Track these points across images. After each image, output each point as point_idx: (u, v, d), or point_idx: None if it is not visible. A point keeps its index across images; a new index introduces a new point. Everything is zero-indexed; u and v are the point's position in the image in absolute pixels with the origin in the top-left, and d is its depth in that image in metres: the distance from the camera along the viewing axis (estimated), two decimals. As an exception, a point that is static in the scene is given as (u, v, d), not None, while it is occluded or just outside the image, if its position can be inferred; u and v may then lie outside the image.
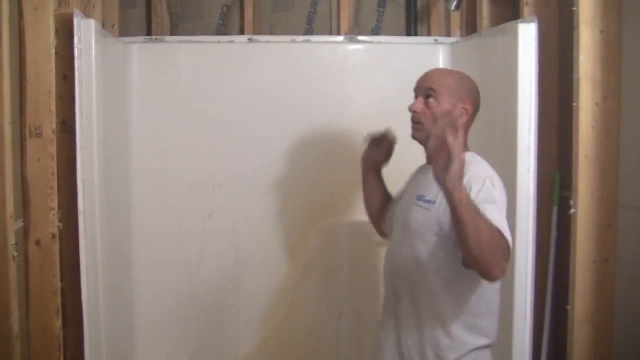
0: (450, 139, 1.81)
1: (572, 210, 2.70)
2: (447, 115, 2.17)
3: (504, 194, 2.08)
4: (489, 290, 2.14)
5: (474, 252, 1.83)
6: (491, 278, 1.89)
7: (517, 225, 2.68)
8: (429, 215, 2.13)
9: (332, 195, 3.54)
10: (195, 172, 3.49)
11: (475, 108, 2.27)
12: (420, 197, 2.20)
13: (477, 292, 2.12)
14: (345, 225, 3.53)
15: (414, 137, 2.26)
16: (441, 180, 1.84)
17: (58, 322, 2.67)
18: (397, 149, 2.53)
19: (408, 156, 2.37)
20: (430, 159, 2.21)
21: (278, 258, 3.56)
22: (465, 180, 1.90)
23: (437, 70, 2.37)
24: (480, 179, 2.02)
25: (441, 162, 1.84)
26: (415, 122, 2.23)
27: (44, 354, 2.65)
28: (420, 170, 2.39)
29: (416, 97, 2.26)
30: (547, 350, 3.19)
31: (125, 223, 3.39)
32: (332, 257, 3.54)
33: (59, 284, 2.68)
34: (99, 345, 2.80)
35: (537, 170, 2.72)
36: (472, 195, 1.94)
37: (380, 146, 2.52)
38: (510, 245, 1.93)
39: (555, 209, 3.17)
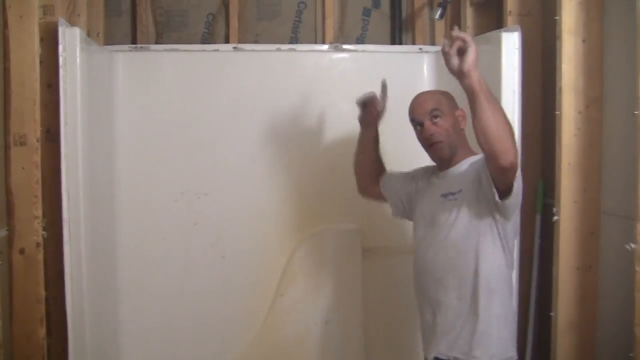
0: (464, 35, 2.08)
1: (555, 218, 2.72)
2: (455, 124, 2.43)
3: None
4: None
5: (494, 132, 2.05)
6: (507, 161, 2.08)
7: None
8: (458, 203, 2.36)
9: (318, 203, 3.56)
10: (180, 180, 3.48)
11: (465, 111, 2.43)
12: (446, 194, 2.41)
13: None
14: (330, 233, 3.54)
15: (438, 156, 2.47)
16: (460, 65, 2.08)
17: (42, 331, 2.66)
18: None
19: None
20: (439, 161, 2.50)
21: (263, 266, 3.56)
22: (480, 162, 2.25)
23: (426, 93, 2.56)
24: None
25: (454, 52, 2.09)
26: (436, 143, 2.42)
27: (28, 363, 2.64)
28: (434, 175, 2.57)
29: (418, 124, 2.46)
30: (531, 357, 3.20)
31: (110, 232, 3.38)
32: (317, 265, 3.54)
33: (43, 293, 2.67)
34: (83, 354, 2.79)
35: (521, 178, 2.74)
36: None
37: (371, 106, 2.78)
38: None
39: (538, 217, 3.18)
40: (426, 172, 2.64)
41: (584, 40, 2.65)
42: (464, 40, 2.08)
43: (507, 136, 2.07)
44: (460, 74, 2.09)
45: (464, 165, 2.43)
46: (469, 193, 2.32)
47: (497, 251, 2.33)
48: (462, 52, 2.09)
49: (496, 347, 2.32)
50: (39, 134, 2.61)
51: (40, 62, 2.66)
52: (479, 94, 2.07)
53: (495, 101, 2.12)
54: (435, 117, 2.41)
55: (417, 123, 2.46)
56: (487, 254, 2.31)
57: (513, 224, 2.37)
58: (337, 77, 3.54)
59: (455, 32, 2.11)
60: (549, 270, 2.84)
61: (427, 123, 2.42)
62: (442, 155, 2.44)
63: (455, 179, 2.42)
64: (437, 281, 2.41)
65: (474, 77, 2.07)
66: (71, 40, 2.67)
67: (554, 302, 2.74)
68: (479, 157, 2.34)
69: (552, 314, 2.76)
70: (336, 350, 3.51)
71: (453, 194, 2.37)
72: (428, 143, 2.43)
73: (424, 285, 2.48)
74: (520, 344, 2.97)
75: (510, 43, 2.75)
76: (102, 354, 3.11)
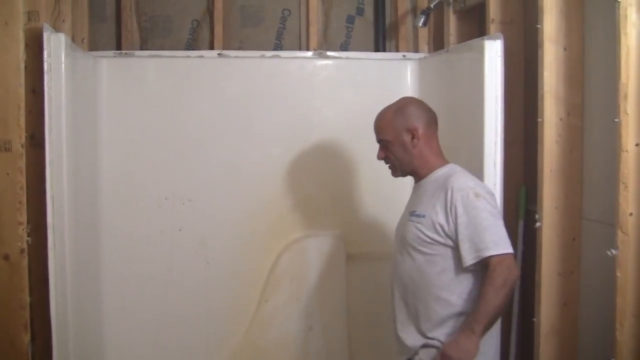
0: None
1: (537, 224, 2.74)
2: (402, 147, 2.42)
3: (490, 197, 2.32)
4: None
5: (508, 299, 2.22)
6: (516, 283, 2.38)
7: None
8: (422, 227, 2.34)
9: (302, 210, 3.57)
10: (164, 186, 3.49)
11: (425, 122, 2.45)
12: (412, 213, 2.42)
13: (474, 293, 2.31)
14: (314, 239, 3.56)
15: (394, 176, 2.53)
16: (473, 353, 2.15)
17: (27, 337, 2.64)
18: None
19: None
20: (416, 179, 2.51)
21: (247, 272, 3.57)
22: (448, 197, 2.27)
23: (377, 118, 2.51)
24: (463, 194, 2.27)
25: None
26: (388, 166, 2.50)
27: (12, 369, 2.63)
28: (414, 189, 2.56)
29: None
30: (514, 362, 3.22)
31: (94, 238, 3.37)
32: (301, 272, 3.56)
33: (27, 299, 2.65)
34: (67, 360, 2.79)
35: (504, 184, 2.79)
36: (459, 213, 2.23)
37: None
38: (507, 248, 2.22)
39: (521, 223, 3.20)
40: (414, 185, 2.62)
41: (565, 49, 2.68)
42: None
43: (510, 292, 2.21)
44: None
45: (431, 178, 2.43)
46: (434, 220, 2.30)
47: (464, 276, 2.31)
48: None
49: None
50: (23, 139, 2.60)
51: (25, 67, 2.65)
52: (490, 325, 2.21)
53: (488, 308, 2.17)
54: (383, 145, 2.46)
55: None
56: (450, 280, 2.31)
57: None
58: (321, 83, 3.56)
59: None
60: (531, 276, 2.87)
61: (379, 148, 2.48)
62: (397, 176, 2.52)
63: (424, 195, 2.41)
64: (400, 297, 2.44)
65: (475, 341, 2.16)
66: (56, 46, 2.67)
67: (536, 307, 2.76)
68: (447, 170, 2.42)
69: (534, 319, 2.78)
70: (320, 355, 3.52)
71: (418, 216, 2.37)
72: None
73: (392, 295, 2.51)
74: (503, 349, 3.00)
75: (493, 51, 2.77)
76: (87, 359, 3.09)
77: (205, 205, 3.51)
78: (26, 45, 2.65)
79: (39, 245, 2.72)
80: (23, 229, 2.62)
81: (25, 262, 2.64)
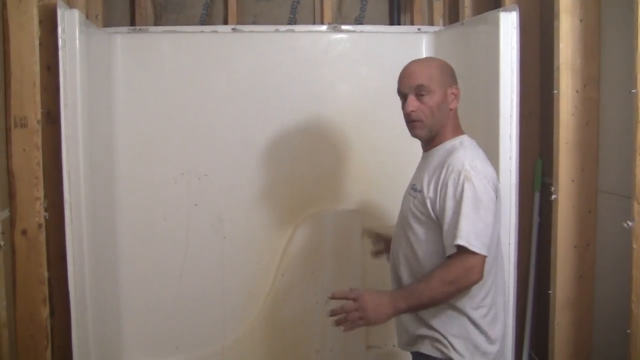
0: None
1: (553, 197, 2.74)
2: (442, 105, 2.22)
3: (484, 183, 2.09)
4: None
5: (450, 298, 2.09)
6: (469, 288, 2.09)
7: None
8: (417, 203, 2.21)
9: (317, 185, 3.57)
10: (180, 161, 3.49)
11: (456, 84, 2.30)
12: (412, 187, 2.30)
13: None
14: (329, 214, 3.56)
15: (415, 135, 2.28)
16: (378, 323, 2.10)
17: (45, 312, 2.68)
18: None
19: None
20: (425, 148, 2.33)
21: (263, 247, 3.58)
22: (443, 174, 2.12)
23: (417, 64, 2.29)
24: (455, 175, 2.09)
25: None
26: (415, 121, 2.23)
27: (31, 343, 2.66)
28: (422, 158, 2.39)
29: (405, 96, 2.25)
30: (530, 334, 3.23)
31: (111, 213, 3.40)
32: (317, 246, 3.56)
33: (45, 274, 2.68)
34: (86, 334, 2.81)
35: (519, 157, 2.76)
36: (449, 195, 2.08)
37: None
38: (479, 247, 2.01)
39: (537, 195, 3.20)
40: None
41: (581, 20, 2.66)
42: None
43: (455, 290, 2.05)
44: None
45: (440, 149, 2.25)
46: (428, 198, 2.17)
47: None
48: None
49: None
50: (39, 116, 2.62)
51: (40, 44, 2.66)
52: (414, 309, 2.12)
53: (424, 293, 2.06)
54: (421, 93, 2.20)
55: (401, 95, 2.27)
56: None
57: None
58: (336, 57, 3.54)
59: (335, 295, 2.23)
60: (547, 249, 2.86)
61: (411, 97, 2.21)
62: (420, 136, 2.26)
63: (425, 168, 2.25)
64: (395, 273, 2.36)
65: (391, 313, 2.09)
66: (70, 23, 2.68)
67: (552, 280, 2.77)
68: (456, 142, 2.23)
69: (550, 291, 2.78)
70: (336, 329, 3.52)
71: (416, 190, 2.25)
72: (408, 119, 2.24)
73: (392, 264, 2.42)
74: (519, 321, 3.00)
75: (509, 23, 2.73)
76: (105, 334, 3.13)
77: (221, 180, 3.52)
78: (40, 22, 2.66)
79: (56, 221, 2.75)
80: (40, 204, 2.64)
81: (42, 237, 2.67)
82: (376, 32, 3.58)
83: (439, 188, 2.13)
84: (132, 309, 3.52)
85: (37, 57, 2.60)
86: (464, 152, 2.16)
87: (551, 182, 2.78)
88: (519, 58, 2.74)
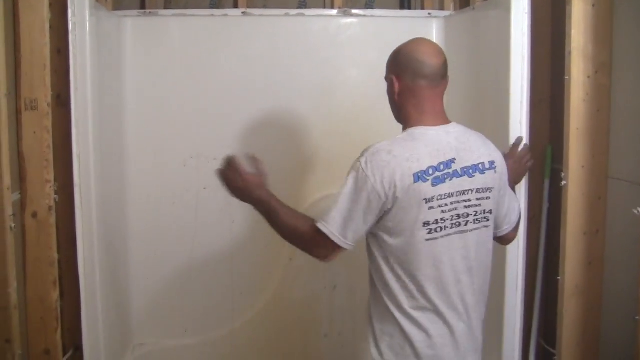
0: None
1: (563, 183, 2.73)
2: (390, 94, 2.21)
3: (376, 177, 2.00)
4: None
5: (284, 236, 2.26)
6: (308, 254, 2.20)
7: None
8: None
9: (326, 169, 3.56)
10: (189, 145, 3.49)
11: (411, 73, 2.11)
12: None
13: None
14: (339, 197, 3.55)
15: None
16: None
17: (55, 294, 2.69)
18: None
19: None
20: None
21: (272, 230, 3.57)
22: None
23: None
24: (352, 165, 2.09)
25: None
26: None
27: (42, 325, 2.68)
28: None
29: None
30: (538, 321, 3.23)
31: (121, 196, 3.41)
32: (326, 230, 3.56)
33: (55, 256, 2.70)
34: (95, 316, 2.84)
35: (530, 143, 2.74)
36: None
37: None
38: (332, 232, 2.06)
39: (547, 182, 3.20)
40: None
41: (593, 5, 2.64)
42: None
43: (297, 242, 2.22)
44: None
45: None
46: None
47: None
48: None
49: None
50: (49, 98, 2.62)
51: (51, 27, 2.66)
52: (265, 215, 2.28)
53: (280, 218, 2.24)
54: None
55: None
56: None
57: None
58: (346, 42, 3.52)
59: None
60: (556, 235, 2.86)
61: None
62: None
63: None
64: None
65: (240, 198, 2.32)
66: (80, 6, 2.68)
67: (560, 266, 2.76)
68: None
69: (559, 278, 2.78)
70: (344, 313, 3.55)
71: None
72: None
73: None
74: (527, 307, 3.00)
75: (520, 7, 2.71)
76: (115, 317, 3.15)
77: (230, 164, 3.51)
78: (50, 4, 2.65)
79: (66, 204, 2.77)
80: (50, 187, 2.66)
81: (53, 219, 2.68)
82: (386, 16, 3.55)
83: None
84: (142, 291, 3.54)
85: (47, 40, 2.60)
86: (378, 144, 2.08)
87: (561, 168, 2.77)
88: (530, 43, 2.72)
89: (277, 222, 2.21)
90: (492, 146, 2.20)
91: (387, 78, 2.20)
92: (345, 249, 2.09)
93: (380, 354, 2.12)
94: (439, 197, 2.02)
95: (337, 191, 2.07)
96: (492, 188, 2.14)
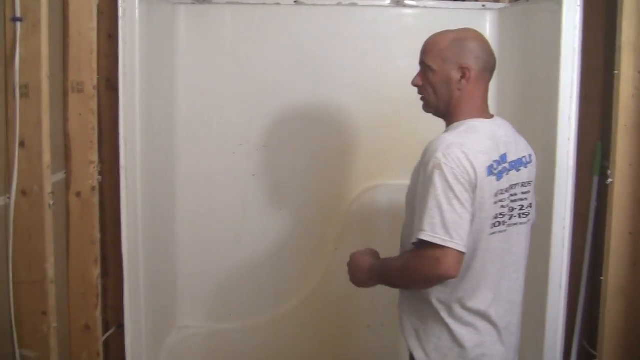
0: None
1: (609, 180, 2.67)
2: (446, 82, 2.10)
3: (459, 170, 1.89)
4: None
5: (418, 287, 2.06)
6: (436, 281, 1.95)
7: (555, 193, 2.67)
8: (408, 188, 2.16)
9: (374, 159, 3.56)
10: (239, 132, 3.53)
11: (482, 66, 2.09)
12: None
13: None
14: (385, 188, 3.55)
15: (425, 111, 2.23)
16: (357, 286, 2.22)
17: (96, 271, 2.77)
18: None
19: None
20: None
21: (319, 219, 3.60)
22: (421, 160, 2.01)
23: (432, 37, 2.17)
24: (429, 162, 1.93)
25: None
26: (421, 97, 2.20)
27: (82, 300, 2.76)
28: None
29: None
30: (581, 321, 3.17)
31: (169, 181, 3.48)
32: (372, 220, 3.56)
33: (97, 235, 2.77)
34: (138, 297, 2.90)
35: (578, 139, 2.68)
36: (420, 182, 1.97)
37: None
38: (443, 239, 1.83)
39: (595, 179, 3.12)
40: None
41: (646, -2, 2.57)
42: None
43: (416, 280, 1.97)
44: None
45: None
46: (411, 184, 2.12)
47: None
48: None
49: None
50: (95, 82, 2.69)
51: (102, 12, 2.73)
52: (382, 280, 2.13)
53: (390, 270, 2.08)
54: (424, 70, 2.15)
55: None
56: None
57: None
58: (398, 33, 3.50)
59: None
60: (602, 234, 2.80)
61: (419, 72, 2.18)
62: (428, 112, 2.21)
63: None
64: None
65: (363, 284, 2.21)
66: (131, -9, 2.74)
67: (604, 266, 2.72)
68: (453, 126, 2.09)
69: (602, 278, 2.72)
70: (387, 305, 3.51)
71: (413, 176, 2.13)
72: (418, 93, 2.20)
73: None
74: (570, 306, 2.94)
75: (572, 0, 2.66)
76: (157, 297, 3.21)
77: (279, 152, 3.55)
78: (101, -11, 2.73)
79: (113, 185, 2.83)
80: (94, 168, 2.72)
81: (95, 199, 2.75)
82: (440, 7, 3.51)
83: (419, 173, 2.01)
84: (188, 274, 3.60)
85: (94, 24, 2.66)
86: (444, 138, 1.99)
87: (609, 165, 2.70)
88: (581, 37, 2.65)
89: (393, 276, 2.08)
90: (524, 140, 2.18)
91: (447, 69, 2.08)
92: (463, 253, 1.88)
93: (427, 356, 2.08)
94: (501, 192, 2.00)
95: (414, 196, 2.02)
96: (532, 181, 2.13)
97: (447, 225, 1.84)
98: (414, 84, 2.19)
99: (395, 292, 3.46)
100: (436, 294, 2.05)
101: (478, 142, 1.98)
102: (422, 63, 2.15)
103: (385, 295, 3.51)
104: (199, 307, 3.64)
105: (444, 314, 2.05)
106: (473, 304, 2.03)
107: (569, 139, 2.67)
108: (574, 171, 2.68)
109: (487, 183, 1.94)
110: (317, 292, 3.62)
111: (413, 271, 1.93)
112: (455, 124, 2.10)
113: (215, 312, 3.65)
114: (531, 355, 2.62)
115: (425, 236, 1.84)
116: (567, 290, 2.74)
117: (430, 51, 2.12)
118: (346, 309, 3.60)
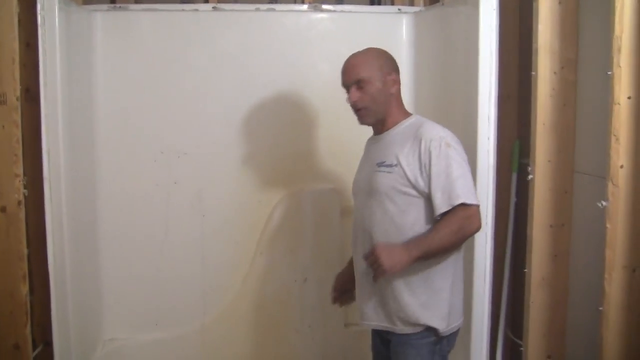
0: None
1: (530, 177, 2.77)
2: (382, 91, 2.40)
3: (460, 147, 2.33)
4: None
5: (456, 246, 2.32)
6: (473, 232, 2.30)
7: (477, 191, 2.74)
8: (393, 177, 2.32)
9: (296, 164, 3.57)
10: (160, 140, 3.47)
11: (397, 71, 2.48)
12: (380, 164, 2.37)
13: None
14: (309, 193, 3.57)
15: (363, 123, 2.47)
16: (394, 270, 2.19)
17: (25, 288, 2.69)
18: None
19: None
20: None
21: (242, 225, 3.59)
22: (422, 145, 2.27)
23: (356, 58, 2.47)
24: (435, 143, 2.27)
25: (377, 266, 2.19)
26: (360, 109, 2.42)
27: (11, 320, 2.67)
28: (370, 142, 2.57)
29: (348, 88, 2.44)
30: (505, 312, 3.28)
31: (91, 191, 3.38)
32: (296, 225, 3.57)
33: (25, 250, 2.69)
34: (65, 312, 2.82)
35: (497, 138, 2.77)
36: (433, 162, 2.24)
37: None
38: (474, 200, 2.25)
39: (514, 176, 3.24)
40: (369, 139, 2.61)
41: (560, 2, 2.68)
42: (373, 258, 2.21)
43: (463, 236, 2.26)
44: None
45: (398, 129, 2.42)
46: (407, 170, 2.30)
47: (429, 219, 2.32)
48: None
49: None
50: (18, 92, 2.61)
51: (19, 21, 2.65)
52: (426, 256, 2.23)
53: (435, 241, 2.23)
54: (361, 85, 2.39)
55: (345, 87, 2.46)
56: (423, 230, 2.31)
57: None
58: (316, 37, 3.52)
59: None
60: (524, 228, 2.90)
61: (353, 89, 2.41)
62: (368, 122, 2.46)
63: (390, 146, 2.39)
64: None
65: (404, 263, 2.19)
66: (49, -1, 2.66)
67: (527, 258, 2.81)
68: (414, 120, 2.43)
69: (526, 270, 2.82)
70: (315, 307, 3.57)
71: (389, 165, 2.35)
72: (354, 109, 2.44)
73: (355, 249, 2.53)
74: (495, 299, 3.05)
75: (488, 4, 2.72)
76: (85, 311, 3.14)
77: (201, 159, 3.51)
78: (19, -2, 2.64)
79: (36, 198, 2.75)
80: (20, 181, 2.65)
81: (22, 213, 2.67)
82: (357, 12, 3.56)
83: (421, 159, 2.28)
84: (112, 286, 3.51)
85: (15, 33, 2.59)
86: (432, 125, 2.37)
87: (528, 162, 2.81)
88: (498, 39, 2.74)
89: (442, 245, 2.25)
90: None
91: (382, 76, 2.41)
92: None
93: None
94: None
95: (430, 173, 2.26)
96: None
97: (472, 189, 2.28)
98: (354, 101, 2.41)
99: (323, 295, 3.52)
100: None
101: None
102: (356, 81, 2.40)
103: (311, 294, 3.57)
104: (125, 319, 3.55)
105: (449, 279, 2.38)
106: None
107: (488, 138, 2.76)
108: (494, 169, 2.77)
109: None
110: (244, 298, 3.59)
111: (460, 231, 2.24)
112: (405, 120, 2.44)
113: (142, 323, 3.57)
114: (459, 345, 2.68)
115: (467, 199, 2.22)
116: (492, 283, 2.84)
117: (361, 66, 2.42)
118: (274, 314, 3.60)
